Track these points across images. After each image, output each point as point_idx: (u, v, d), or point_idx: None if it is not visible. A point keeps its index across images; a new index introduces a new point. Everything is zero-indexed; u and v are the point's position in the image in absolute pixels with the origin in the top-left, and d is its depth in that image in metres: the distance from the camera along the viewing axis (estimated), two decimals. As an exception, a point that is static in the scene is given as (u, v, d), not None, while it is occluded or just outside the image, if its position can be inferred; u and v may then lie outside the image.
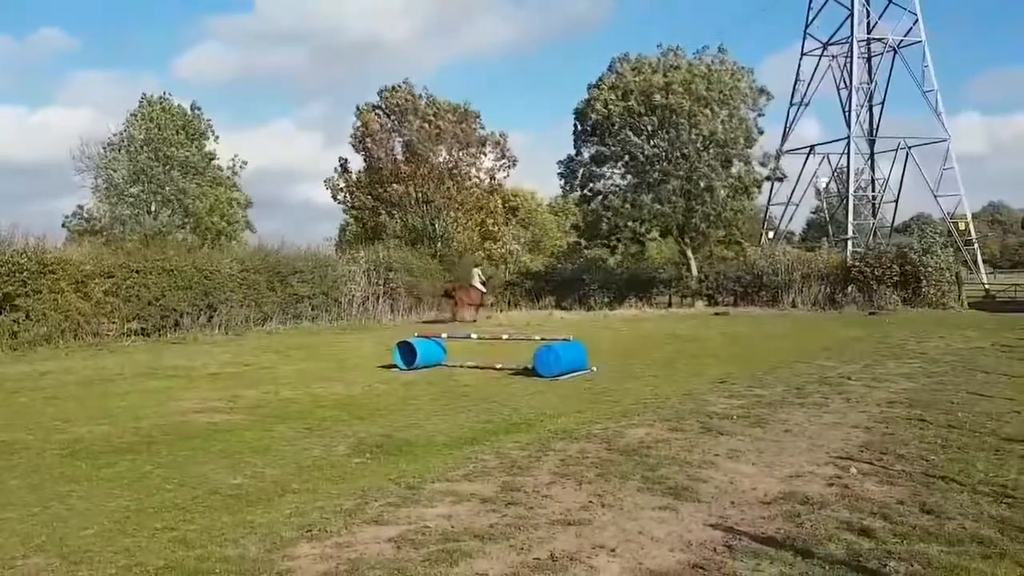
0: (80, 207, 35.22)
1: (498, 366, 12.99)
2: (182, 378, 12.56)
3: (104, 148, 34.49)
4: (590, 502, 5.48)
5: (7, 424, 8.68)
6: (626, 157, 34.47)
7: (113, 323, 18.43)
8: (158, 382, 12.12)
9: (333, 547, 4.65)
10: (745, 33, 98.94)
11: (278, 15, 54.44)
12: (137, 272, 19.31)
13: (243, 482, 6.17)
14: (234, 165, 37.10)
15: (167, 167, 34.55)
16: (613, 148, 34.35)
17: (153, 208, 34.95)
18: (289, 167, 51.97)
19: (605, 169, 35.76)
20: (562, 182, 37.19)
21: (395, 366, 13.18)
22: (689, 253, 36.01)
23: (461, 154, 33.27)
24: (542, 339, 13.29)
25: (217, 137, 36.91)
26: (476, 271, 26.47)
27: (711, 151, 33.41)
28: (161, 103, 35.26)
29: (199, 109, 36.48)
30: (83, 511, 5.46)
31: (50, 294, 17.44)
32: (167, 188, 34.56)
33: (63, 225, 34.91)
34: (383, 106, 33.25)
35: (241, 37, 53.79)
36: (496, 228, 36.04)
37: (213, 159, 36.42)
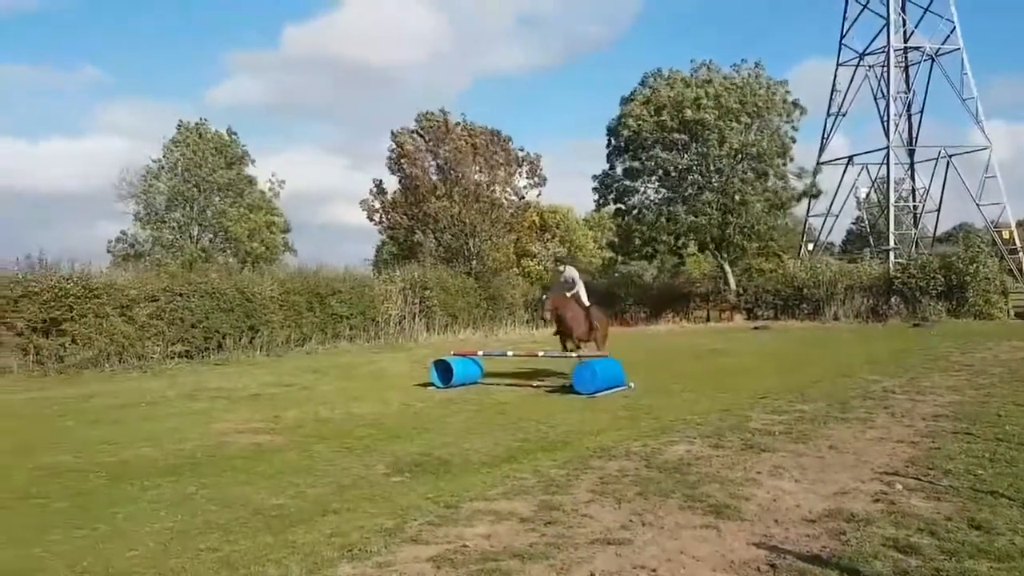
0: (123, 232, 36.02)
1: (535, 383, 12.97)
2: (224, 399, 12.73)
3: (144, 175, 35.31)
4: (630, 521, 5.44)
5: (54, 446, 8.86)
6: (659, 171, 34.38)
7: (157, 346, 18.74)
8: (201, 404, 12.30)
9: (374, 567, 4.67)
10: (766, 47, 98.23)
11: (302, 48, 55.87)
12: (180, 295, 19.66)
13: (285, 502, 6.23)
14: (273, 185, 37.69)
15: (206, 192, 35.25)
16: (647, 163, 34.29)
17: (195, 232, 35.65)
18: (317, 190, 53.09)
19: (638, 183, 35.71)
20: (596, 197, 37.24)
21: (432, 384, 13.24)
22: (726, 266, 35.69)
23: (494, 174, 33.48)
24: (579, 356, 13.26)
25: (254, 160, 37.59)
26: (570, 275, 14.77)
27: (744, 164, 33.18)
28: (198, 129, 36.04)
29: (235, 134, 37.22)
30: (128, 532, 5.55)
31: (96, 318, 17.83)
32: (208, 212, 35.25)
33: (108, 251, 35.72)
34: (419, 129, 33.65)
35: (268, 68, 55.30)
36: (531, 245, 36.11)
37: (252, 182, 37.06)
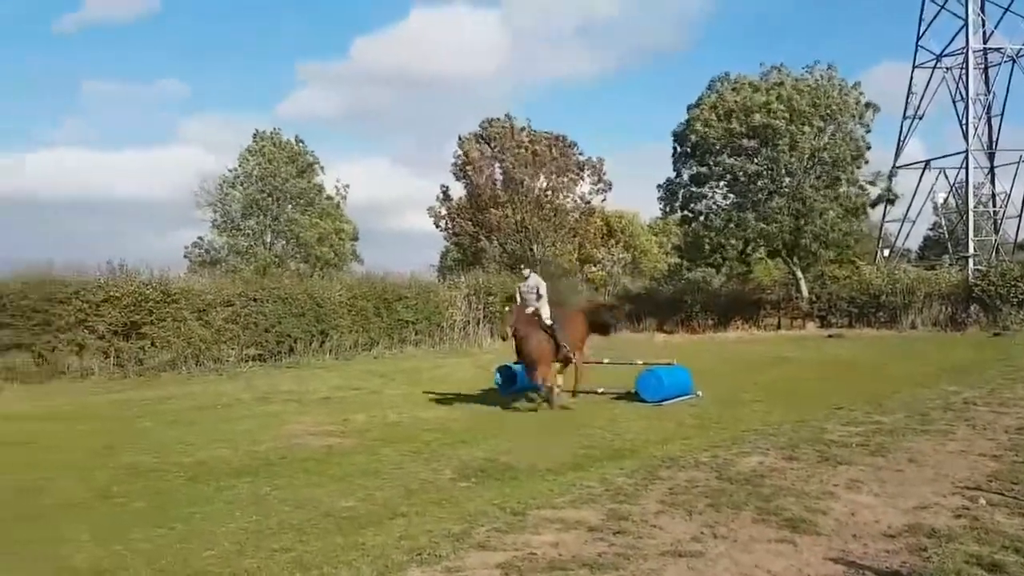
0: (200, 239, 37.22)
1: (600, 391, 12.88)
2: (296, 402, 12.99)
3: (221, 184, 36.49)
4: (701, 533, 5.33)
5: (132, 447, 9.17)
6: (727, 177, 33.81)
7: (232, 349, 19.27)
8: (274, 406, 12.58)
9: (442, 571, 4.69)
10: (838, 49, 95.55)
11: (370, 60, 57.06)
12: (255, 300, 20.17)
13: (354, 504, 6.31)
14: (338, 190, 38.43)
15: (279, 200, 36.20)
16: (714, 168, 33.77)
17: (268, 239, 36.62)
18: (384, 199, 54.10)
19: (706, 189, 35.18)
20: (662, 204, 36.82)
21: (496, 390, 13.26)
22: (798, 273, 34.83)
23: (558, 179, 33.48)
24: (644, 363, 13.10)
25: (323, 168, 38.38)
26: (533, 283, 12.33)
27: (817, 169, 32.39)
28: (272, 138, 37.00)
29: (302, 142, 38.11)
30: (205, 533, 5.69)
31: (174, 322, 18.43)
32: (280, 220, 36.20)
33: (185, 256, 36.95)
34: (484, 135, 33.89)
35: (337, 80, 56.65)
36: (595, 250, 35.99)
37: (322, 190, 37.87)
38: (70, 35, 58.66)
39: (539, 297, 11.79)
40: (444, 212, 35.37)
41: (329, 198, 37.99)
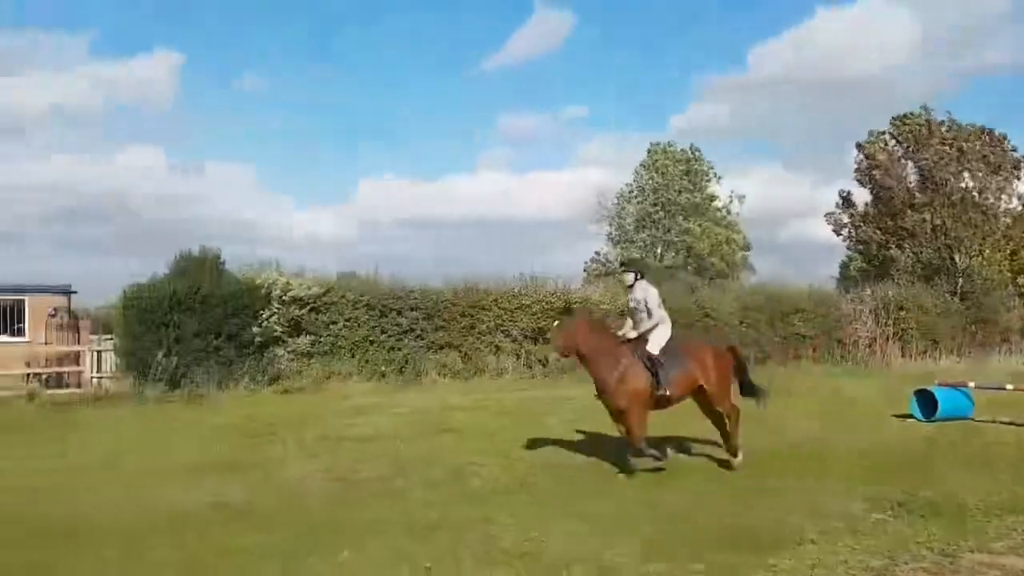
0: (597, 252, 39.67)
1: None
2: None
3: (617, 199, 38.51)
4: None
5: (540, 440, 9.91)
6: None
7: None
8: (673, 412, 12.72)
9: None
10: None
11: (766, 67, 55.19)
12: (648, 311, 20.81)
13: (754, 523, 6.15)
14: (732, 199, 38.01)
15: (671, 212, 37.05)
16: None
17: (659, 251, 37.69)
18: (778, 209, 51.94)
19: None
20: None
21: (911, 416, 11.96)
22: None
23: (988, 179, 29.27)
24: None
25: (720, 178, 38.32)
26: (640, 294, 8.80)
27: None
28: (665, 151, 37.97)
29: (698, 151, 38.38)
30: (611, 529, 5.96)
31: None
32: (671, 232, 37.06)
33: (584, 269, 39.70)
34: (895, 134, 31.01)
35: (731, 90, 55.78)
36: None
37: (714, 199, 37.89)
38: (490, 73, 66.31)
39: (649, 314, 8.34)
40: (846, 219, 33.05)
41: (721, 208, 37.84)
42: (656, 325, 8.25)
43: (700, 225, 36.84)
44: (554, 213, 59.58)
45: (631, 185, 38.44)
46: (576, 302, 17.92)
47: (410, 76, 68.87)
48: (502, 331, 19.51)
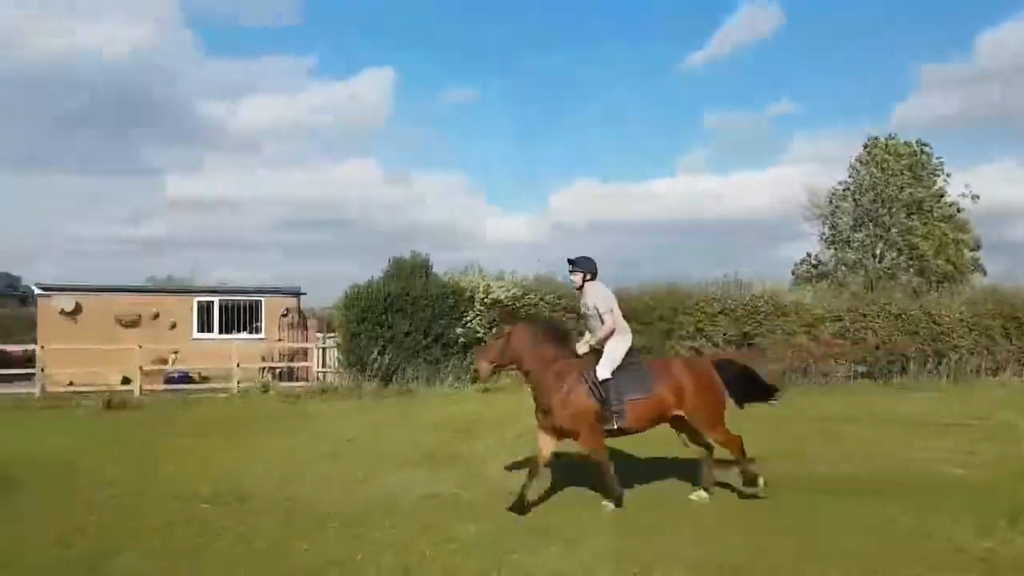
0: (808, 254, 37.33)
1: None
2: (916, 425, 12.00)
3: (830, 197, 36.14)
4: None
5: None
6: None
7: (840, 364, 19.02)
8: (882, 426, 11.84)
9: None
10: None
11: (995, 54, 49.18)
12: (864, 316, 19.62)
13: (992, 546, 5.59)
14: (965, 196, 34.31)
15: (892, 209, 34.26)
16: None
17: (878, 251, 35.00)
18: (1014, 205, 45.93)
19: None
20: None
21: None
22: None
23: None
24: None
25: (949, 175, 34.76)
26: (590, 299, 7.48)
27: None
28: (886, 146, 35.00)
29: (927, 145, 35.04)
30: (832, 553, 5.69)
31: (783, 334, 18.94)
32: (892, 231, 34.28)
33: (792, 272, 37.33)
34: None
35: (957, 79, 50.18)
36: None
37: (942, 196, 34.44)
38: (696, 70, 64.96)
39: (602, 321, 7.02)
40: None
41: (951, 206, 34.27)
42: (610, 334, 6.94)
43: (925, 223, 33.69)
44: (758, 212, 57.15)
45: (847, 182, 35.83)
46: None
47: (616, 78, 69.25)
48: (704, 336, 19.02)
